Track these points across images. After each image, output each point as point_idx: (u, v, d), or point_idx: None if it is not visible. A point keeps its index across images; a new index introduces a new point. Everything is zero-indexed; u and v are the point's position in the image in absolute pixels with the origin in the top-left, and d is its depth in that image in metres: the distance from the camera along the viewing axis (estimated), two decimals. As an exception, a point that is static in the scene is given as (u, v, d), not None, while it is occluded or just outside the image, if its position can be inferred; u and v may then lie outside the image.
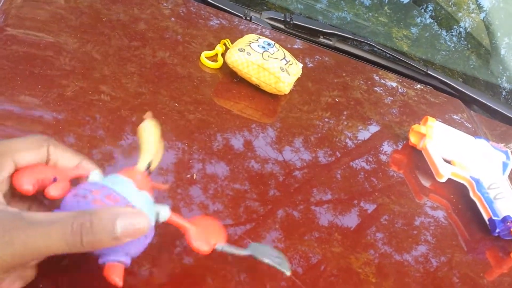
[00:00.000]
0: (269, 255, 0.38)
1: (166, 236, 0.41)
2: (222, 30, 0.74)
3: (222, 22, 0.76)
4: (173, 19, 0.71)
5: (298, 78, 0.66)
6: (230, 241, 0.43)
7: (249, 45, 0.62)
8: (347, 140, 0.64)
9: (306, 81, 0.71)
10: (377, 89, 0.79)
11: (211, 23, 0.74)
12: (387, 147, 0.66)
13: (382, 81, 0.82)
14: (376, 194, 0.56)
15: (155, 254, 0.39)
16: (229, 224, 0.45)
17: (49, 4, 0.62)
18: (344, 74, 0.77)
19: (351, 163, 0.60)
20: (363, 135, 0.66)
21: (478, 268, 0.52)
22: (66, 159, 0.34)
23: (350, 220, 0.51)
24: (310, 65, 0.77)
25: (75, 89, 0.52)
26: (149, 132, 0.37)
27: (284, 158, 0.56)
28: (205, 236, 0.36)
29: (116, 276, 0.30)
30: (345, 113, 0.69)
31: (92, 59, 0.57)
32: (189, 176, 0.48)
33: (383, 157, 0.64)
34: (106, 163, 0.46)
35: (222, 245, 0.36)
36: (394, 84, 0.82)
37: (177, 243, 0.41)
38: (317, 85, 0.72)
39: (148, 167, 0.36)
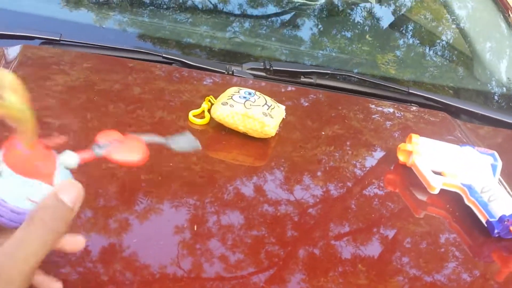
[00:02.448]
0: (180, 142, 0.42)
1: None
2: (208, 87, 0.77)
3: (208, 80, 0.79)
4: (164, 83, 0.74)
5: (289, 119, 0.68)
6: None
7: (231, 98, 0.66)
8: (355, 169, 0.65)
9: (301, 119, 0.73)
10: (374, 116, 0.81)
11: (197, 83, 0.78)
12: (387, 172, 0.66)
13: (377, 108, 0.84)
14: (394, 218, 0.56)
15: None
16: (252, 272, 0.44)
17: (49, 89, 0.65)
18: (339, 108, 0.79)
19: (364, 191, 0.61)
20: (370, 161, 0.67)
21: (487, 271, 0.53)
22: None
23: (372, 249, 0.51)
24: (302, 104, 0.79)
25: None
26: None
27: (296, 198, 0.56)
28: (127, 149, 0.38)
29: None
30: (348, 143, 0.70)
31: (93, 132, 0.58)
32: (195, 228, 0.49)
33: (384, 183, 0.65)
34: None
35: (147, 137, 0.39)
36: (387, 110, 0.84)
37: None
38: (312, 121, 0.74)
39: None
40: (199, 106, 0.69)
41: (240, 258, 0.46)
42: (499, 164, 0.64)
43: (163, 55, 0.81)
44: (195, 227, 0.49)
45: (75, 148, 0.55)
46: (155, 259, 0.44)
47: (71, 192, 0.33)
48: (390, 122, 0.80)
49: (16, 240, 0.31)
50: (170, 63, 0.82)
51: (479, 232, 0.57)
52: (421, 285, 0.48)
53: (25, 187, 0.33)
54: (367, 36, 1.18)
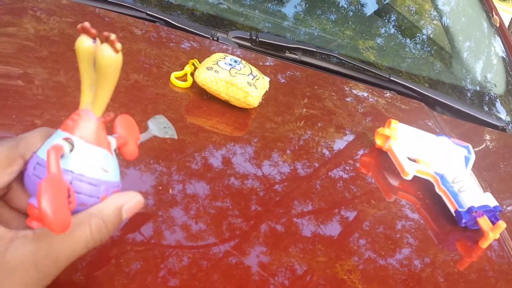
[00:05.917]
0: (160, 128, 0.45)
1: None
2: (191, 51, 0.75)
3: (191, 44, 0.77)
4: (143, 43, 0.72)
5: (268, 92, 0.67)
6: (216, 259, 0.43)
7: (217, 63, 0.64)
8: (324, 150, 0.65)
9: (278, 94, 0.72)
10: (348, 99, 0.81)
11: (180, 45, 0.76)
12: (362, 155, 0.67)
13: (352, 91, 0.84)
14: (356, 201, 0.57)
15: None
16: (214, 243, 0.45)
17: (15, 36, 0.62)
18: (315, 87, 0.79)
19: (329, 172, 0.61)
20: (339, 144, 0.68)
21: (450, 259, 0.54)
22: None
23: (332, 229, 0.52)
24: (282, 80, 0.78)
25: (48, 118, 0.51)
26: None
27: (263, 173, 0.56)
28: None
29: None
30: (319, 124, 0.70)
31: (64, 86, 0.57)
32: (171, 191, 0.48)
33: (359, 164, 0.65)
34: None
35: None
36: (365, 94, 0.84)
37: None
38: (289, 98, 0.73)
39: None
40: (180, 69, 0.67)
41: (202, 228, 0.46)
42: (472, 157, 0.65)
43: (148, 12, 0.79)
44: (171, 190, 0.48)
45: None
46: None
47: (132, 208, 0.33)
48: (365, 106, 0.81)
49: (70, 237, 0.30)
50: (154, 21, 0.79)
51: (446, 220, 0.58)
52: (380, 267, 0.49)
53: (98, 156, 0.32)
54: (350, 22, 1.17)
